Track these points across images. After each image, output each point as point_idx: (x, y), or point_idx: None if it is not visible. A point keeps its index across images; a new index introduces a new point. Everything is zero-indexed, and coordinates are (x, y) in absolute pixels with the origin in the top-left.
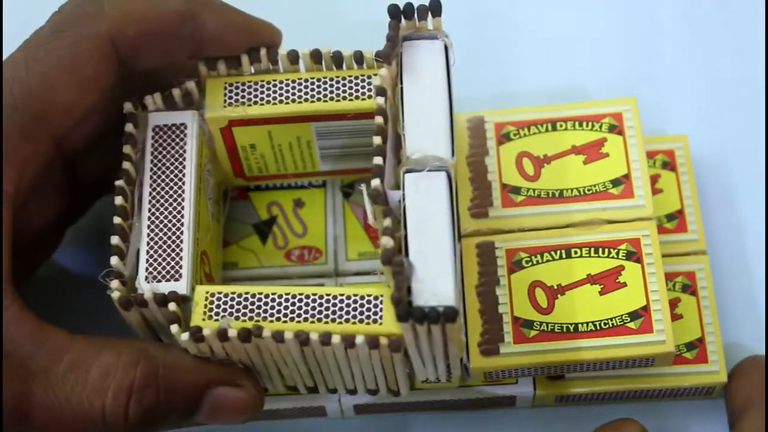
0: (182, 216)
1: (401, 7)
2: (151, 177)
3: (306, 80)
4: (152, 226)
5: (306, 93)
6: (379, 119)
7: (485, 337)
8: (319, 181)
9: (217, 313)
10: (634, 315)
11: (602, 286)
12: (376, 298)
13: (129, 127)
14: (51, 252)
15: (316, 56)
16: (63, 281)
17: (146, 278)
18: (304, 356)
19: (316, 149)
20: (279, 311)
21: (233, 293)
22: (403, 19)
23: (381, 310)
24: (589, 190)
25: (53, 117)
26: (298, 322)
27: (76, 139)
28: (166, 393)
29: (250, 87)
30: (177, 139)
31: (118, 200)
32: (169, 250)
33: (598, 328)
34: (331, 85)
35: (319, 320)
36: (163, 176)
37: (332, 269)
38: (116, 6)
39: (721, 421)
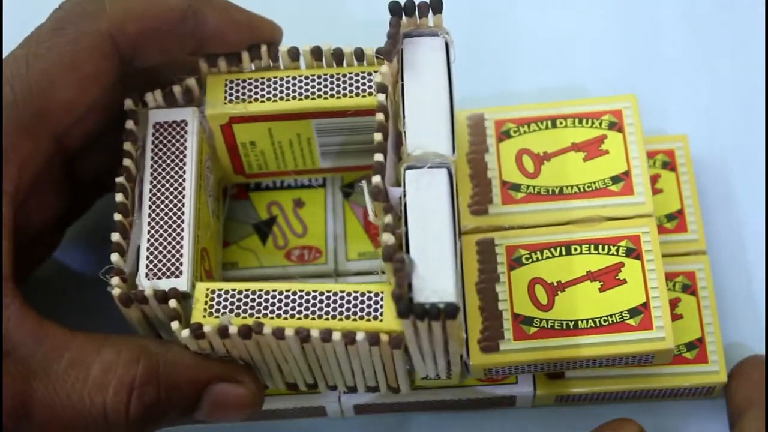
0: (183, 213)
1: (402, 3)
2: (151, 174)
3: (306, 77)
4: (153, 223)
5: (306, 90)
6: (380, 116)
7: (485, 334)
8: (319, 181)
9: (217, 310)
10: (633, 312)
11: (602, 282)
12: (376, 294)
13: (129, 124)
14: (51, 251)
15: (316, 53)
16: (63, 279)
17: (147, 275)
18: (304, 353)
19: (316, 146)
20: (279, 308)
21: (234, 290)
22: (404, 16)
23: (381, 306)
24: (589, 187)
25: (54, 114)
26: (299, 318)
27: (76, 136)
28: (166, 390)
29: (250, 84)
30: (177, 136)
31: (119, 197)
32: (169, 247)
33: (598, 324)
34: (332, 82)
35: (320, 317)
36: (164, 173)
37: (332, 269)
38: (117, 3)
39: (721, 421)
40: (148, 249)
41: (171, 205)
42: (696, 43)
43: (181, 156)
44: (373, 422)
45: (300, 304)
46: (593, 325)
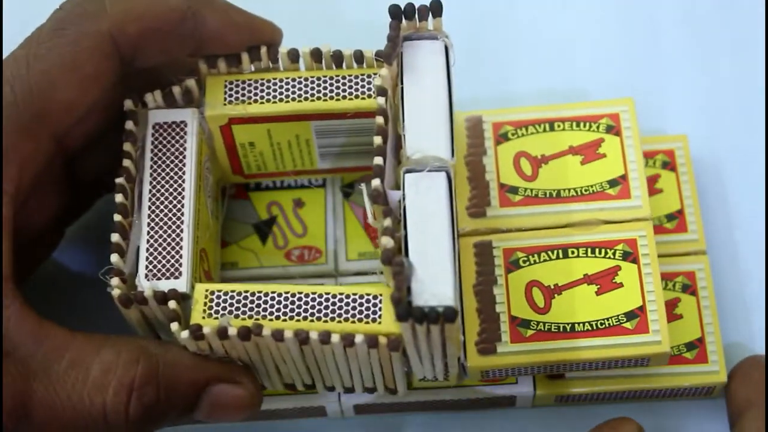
0: (182, 214)
1: (402, 7)
2: (151, 175)
3: (306, 79)
4: (152, 224)
5: (306, 92)
6: (379, 119)
7: (482, 336)
8: (319, 181)
9: (216, 311)
10: (630, 315)
11: (599, 286)
12: (375, 297)
13: (129, 125)
14: (50, 251)
15: (316, 55)
16: (63, 280)
17: (146, 276)
18: (303, 354)
19: (315, 148)
20: (278, 310)
21: (233, 291)
22: (403, 20)
23: (380, 309)
24: (586, 190)
25: (54, 115)
26: (298, 320)
27: (76, 137)
28: (166, 390)
29: (250, 85)
30: (177, 137)
31: (119, 198)
32: (169, 248)
33: (595, 327)
34: (331, 84)
35: (319, 319)
36: (163, 174)
37: (332, 269)
38: (117, 4)
39: (721, 421)
40: (147, 250)
41: (170, 206)
42: (696, 44)
43: (181, 157)
44: (373, 422)
45: (299, 306)
46: (590, 328)
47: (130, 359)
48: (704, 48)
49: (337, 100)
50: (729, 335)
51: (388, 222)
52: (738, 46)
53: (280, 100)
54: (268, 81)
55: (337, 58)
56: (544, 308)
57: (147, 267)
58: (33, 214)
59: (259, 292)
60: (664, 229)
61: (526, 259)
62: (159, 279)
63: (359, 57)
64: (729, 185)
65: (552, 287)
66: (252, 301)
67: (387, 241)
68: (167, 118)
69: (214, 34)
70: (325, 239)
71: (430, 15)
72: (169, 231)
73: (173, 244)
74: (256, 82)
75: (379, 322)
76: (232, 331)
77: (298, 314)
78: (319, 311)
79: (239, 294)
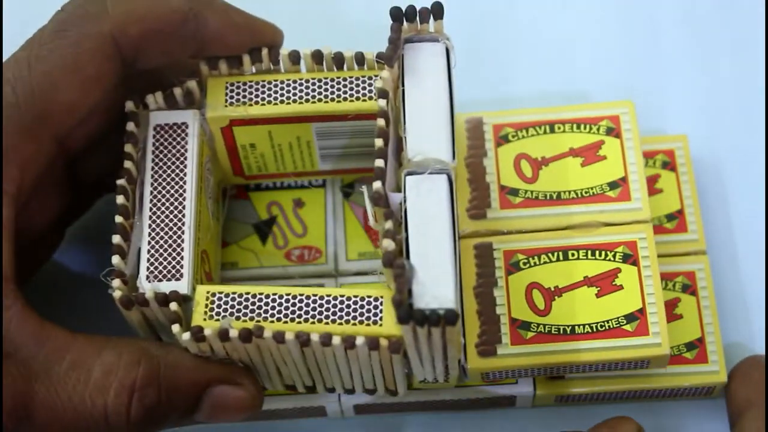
0: (183, 215)
1: (403, 9)
2: (152, 176)
3: (307, 81)
4: (153, 226)
5: (307, 93)
6: (380, 121)
7: (483, 338)
8: (319, 181)
9: (218, 313)
10: (630, 317)
11: (599, 288)
12: (376, 299)
13: (130, 126)
14: (51, 252)
15: (317, 57)
16: (64, 281)
17: (147, 277)
18: (304, 356)
19: (315, 149)
20: (280, 311)
21: (234, 293)
22: (405, 22)
23: (381, 311)
24: (586, 192)
25: (55, 116)
26: (299, 322)
27: (78, 138)
28: (167, 392)
29: (251, 87)
30: (178, 138)
31: (120, 199)
32: (170, 250)
33: (595, 330)
34: (332, 86)
35: (320, 321)
36: (165, 175)
37: (332, 269)
38: (119, 5)
39: (721, 421)
40: (148, 251)
41: (172, 208)
42: (695, 44)
43: (182, 158)
44: (373, 422)
45: (300, 308)
46: (590, 331)
47: (131, 361)
48: (704, 48)
49: (338, 101)
50: (729, 335)
51: (389, 224)
52: (738, 46)
53: (281, 101)
54: (269, 82)
55: (338, 59)
56: (544, 310)
57: (148, 268)
58: (34, 216)
59: (261, 293)
60: (664, 229)
61: (526, 261)
62: (160, 280)
63: (360, 59)
64: (729, 185)
65: (552, 289)
66: (253, 303)
67: (388, 244)
68: (168, 119)
69: (215, 35)
70: (325, 239)
71: (431, 17)
72: (171, 232)
73: (174, 245)
74: (257, 83)
75: (380, 325)
76: (234, 332)
77: (299, 316)
78: (320, 313)
79: (240, 296)
